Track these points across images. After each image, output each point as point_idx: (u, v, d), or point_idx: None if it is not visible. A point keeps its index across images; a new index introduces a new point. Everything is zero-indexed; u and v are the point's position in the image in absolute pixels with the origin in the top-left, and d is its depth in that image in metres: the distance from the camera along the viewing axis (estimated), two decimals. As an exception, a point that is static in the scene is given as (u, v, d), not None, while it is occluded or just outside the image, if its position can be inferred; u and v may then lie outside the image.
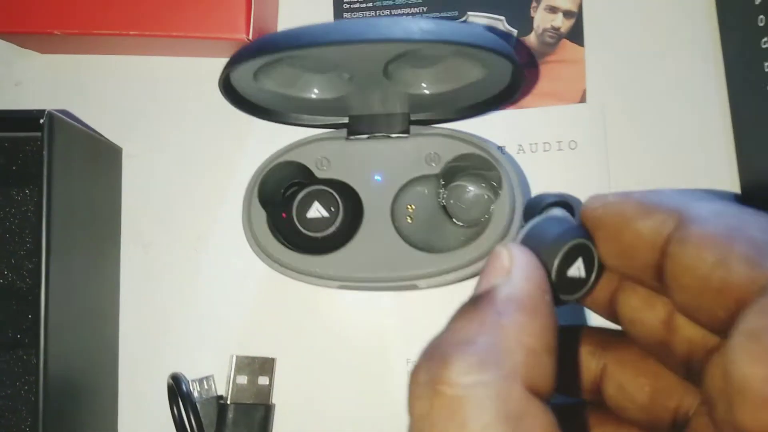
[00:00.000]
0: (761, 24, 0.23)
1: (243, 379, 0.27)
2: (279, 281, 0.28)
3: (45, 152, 0.22)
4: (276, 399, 0.28)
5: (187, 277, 0.29)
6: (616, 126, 0.27)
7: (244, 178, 0.26)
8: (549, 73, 0.28)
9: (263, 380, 0.28)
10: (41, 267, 0.23)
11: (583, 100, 0.27)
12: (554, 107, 0.27)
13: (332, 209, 0.25)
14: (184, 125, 0.29)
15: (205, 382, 0.28)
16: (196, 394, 0.27)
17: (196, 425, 0.26)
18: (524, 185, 0.27)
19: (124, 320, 0.29)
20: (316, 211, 0.25)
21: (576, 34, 0.28)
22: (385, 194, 0.25)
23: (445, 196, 0.26)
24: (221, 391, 0.28)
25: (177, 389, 0.27)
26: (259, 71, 0.24)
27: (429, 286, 0.24)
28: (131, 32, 0.26)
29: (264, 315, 0.28)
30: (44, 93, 0.30)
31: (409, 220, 0.26)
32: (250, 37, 0.26)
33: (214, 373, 0.28)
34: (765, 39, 0.23)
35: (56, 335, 0.23)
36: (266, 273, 0.28)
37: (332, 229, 0.25)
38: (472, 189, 0.26)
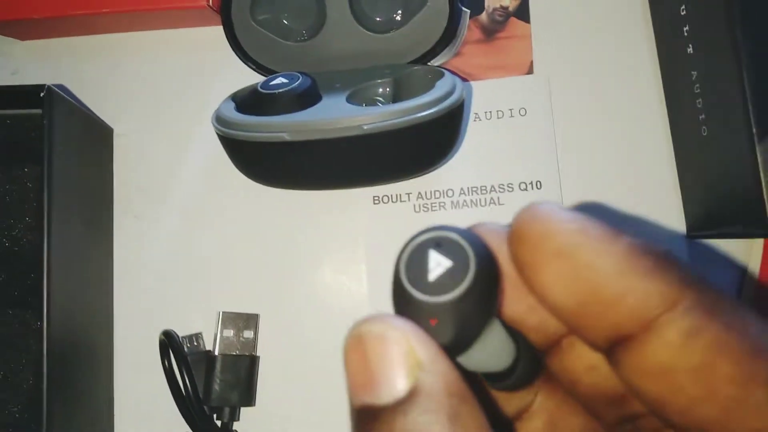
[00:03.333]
0: (682, 11, 0.26)
1: (229, 333, 0.30)
2: (263, 245, 0.31)
3: (45, 124, 0.25)
4: (260, 352, 0.30)
5: (174, 244, 0.31)
6: (560, 94, 0.30)
7: (223, 152, 0.28)
8: (499, 48, 0.31)
9: (248, 334, 0.30)
10: (43, 234, 0.25)
11: (530, 71, 0.30)
12: (505, 79, 0.30)
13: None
14: (171, 103, 0.32)
15: (194, 339, 0.30)
16: (186, 349, 0.29)
17: (187, 375, 0.29)
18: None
19: (117, 284, 0.31)
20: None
21: (523, 12, 0.31)
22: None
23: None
24: (209, 347, 0.30)
25: (169, 344, 0.29)
26: (254, 4, 0.28)
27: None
28: (103, 10, 0.29)
29: (249, 275, 0.31)
30: (30, 78, 0.32)
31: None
32: (210, 3, 0.29)
33: (203, 331, 0.30)
34: (682, 7, 0.26)
35: (57, 296, 0.25)
36: (250, 238, 0.31)
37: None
38: None
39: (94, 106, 0.32)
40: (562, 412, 0.14)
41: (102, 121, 0.31)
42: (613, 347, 0.11)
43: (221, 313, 0.30)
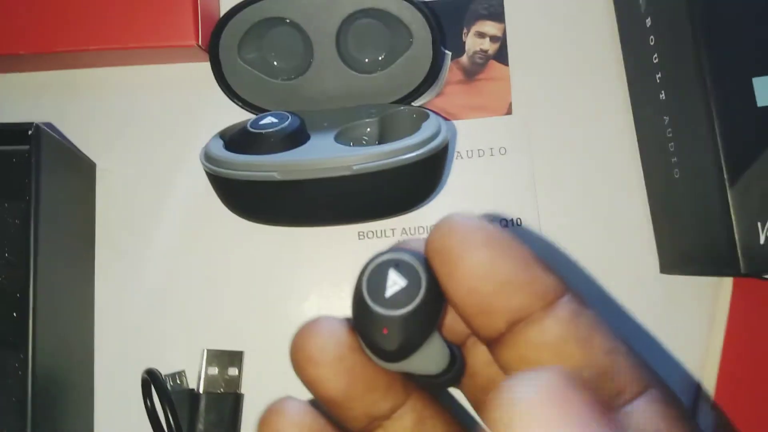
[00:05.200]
0: (651, 43, 0.28)
1: (213, 371, 0.30)
2: (248, 282, 0.31)
3: (33, 162, 0.25)
4: (245, 389, 0.30)
5: (157, 281, 0.31)
6: (538, 134, 0.31)
7: (208, 188, 0.28)
8: (479, 90, 0.32)
9: (233, 371, 0.30)
10: (29, 272, 0.24)
11: (509, 112, 0.32)
12: (485, 119, 0.32)
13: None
14: (155, 138, 0.32)
15: (177, 377, 0.30)
16: (169, 388, 0.29)
17: (171, 415, 0.28)
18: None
19: (99, 322, 0.31)
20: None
21: (502, 56, 0.32)
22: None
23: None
24: (193, 385, 0.30)
25: (152, 382, 0.29)
26: (242, 43, 0.29)
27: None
28: (90, 47, 0.29)
29: (233, 312, 0.31)
30: (9, 112, 0.32)
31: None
32: (200, 42, 0.29)
33: (185, 369, 0.30)
34: (654, 55, 0.28)
35: (42, 336, 0.25)
36: (235, 274, 0.31)
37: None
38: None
39: (77, 140, 0.32)
40: (431, 411, 0.15)
41: (85, 155, 0.31)
42: (510, 329, 0.13)
43: (206, 351, 0.29)
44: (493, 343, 0.14)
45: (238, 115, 0.30)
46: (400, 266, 0.14)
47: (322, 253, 0.31)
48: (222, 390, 0.29)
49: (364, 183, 0.26)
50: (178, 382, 0.30)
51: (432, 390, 0.16)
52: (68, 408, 0.28)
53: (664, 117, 0.27)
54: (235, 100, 0.30)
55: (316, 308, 0.31)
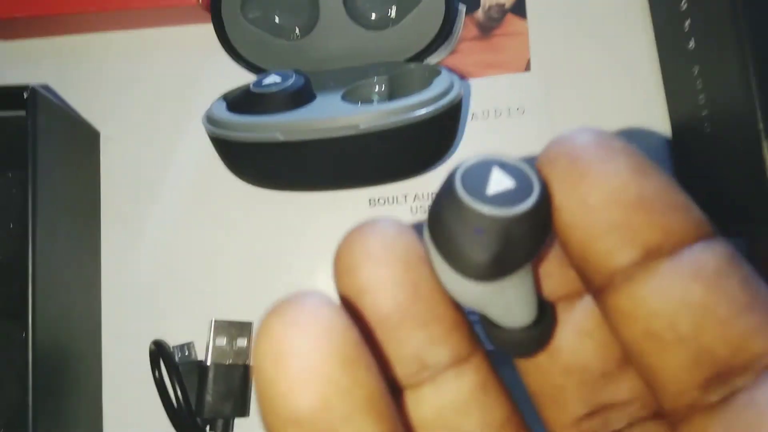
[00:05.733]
0: (682, 6, 0.26)
1: (222, 342, 0.29)
2: (256, 250, 0.30)
3: (29, 126, 0.24)
4: (254, 360, 0.29)
5: (164, 250, 0.30)
6: (558, 92, 0.30)
7: (214, 154, 0.27)
8: (496, 46, 0.30)
9: (241, 342, 0.29)
10: (28, 241, 0.24)
11: (527, 69, 0.30)
12: (502, 76, 0.30)
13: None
14: (159, 103, 0.31)
15: (186, 348, 0.29)
16: (177, 359, 0.28)
17: (179, 386, 0.28)
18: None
19: (105, 293, 0.30)
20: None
21: (519, 9, 0.30)
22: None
23: None
24: (201, 357, 0.29)
25: (160, 353, 0.28)
26: (245, 1, 0.27)
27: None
28: (89, 9, 0.28)
29: (241, 282, 0.30)
30: (10, 80, 0.31)
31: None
32: (201, 1, 0.28)
33: (194, 341, 0.30)
34: (683, 2, 0.26)
35: (43, 306, 0.24)
36: (243, 243, 0.30)
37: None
38: None
39: (80, 108, 0.31)
40: (496, 381, 0.12)
41: (88, 123, 0.30)
42: (644, 263, 0.10)
43: (214, 321, 0.29)
44: (612, 284, 0.10)
45: (243, 78, 0.29)
46: (506, 167, 0.11)
47: (333, 220, 0.30)
48: (231, 361, 0.29)
49: (372, 143, 0.24)
50: (186, 353, 0.29)
51: (503, 351, 0.12)
52: (74, 379, 0.27)
53: (694, 67, 0.25)
54: (240, 62, 0.29)
55: (325, 277, 0.29)
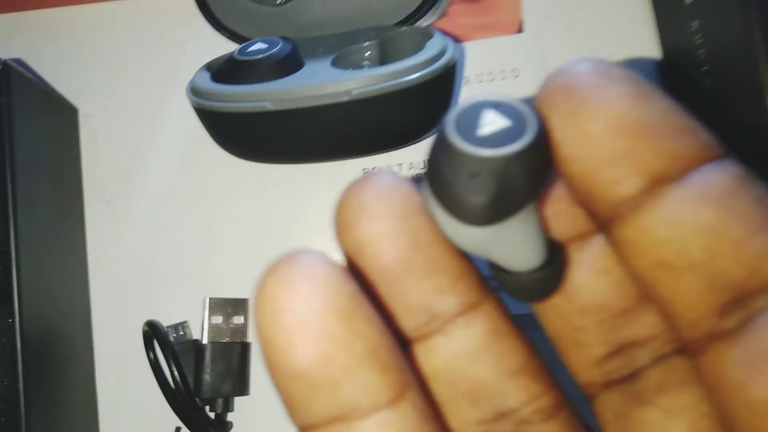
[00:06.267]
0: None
1: (218, 320, 0.28)
2: (248, 225, 0.29)
3: (4, 102, 0.23)
4: (252, 337, 0.29)
5: (152, 228, 0.29)
6: (553, 52, 0.29)
7: (200, 128, 0.26)
8: (486, 7, 0.29)
9: (238, 320, 0.28)
10: (9, 222, 0.23)
11: (520, 30, 0.29)
12: (494, 38, 0.29)
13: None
14: (139, 77, 0.30)
15: (180, 328, 0.28)
16: (171, 339, 0.28)
17: (176, 366, 0.27)
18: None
19: (93, 274, 0.29)
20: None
21: (509, -32, 0.29)
22: None
23: None
24: (196, 336, 0.28)
25: (154, 334, 0.27)
26: None
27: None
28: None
29: (234, 258, 0.29)
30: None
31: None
32: None
33: (188, 320, 0.29)
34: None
35: (28, 289, 0.24)
36: (234, 218, 0.29)
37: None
38: None
39: (56, 84, 0.29)
40: (509, 327, 0.11)
41: (65, 99, 0.29)
42: (652, 190, 0.09)
43: (208, 299, 0.28)
44: (619, 216, 0.10)
45: (226, 48, 0.28)
46: (500, 107, 0.10)
47: (325, 192, 0.29)
48: (228, 339, 0.28)
49: (366, 109, 0.24)
50: (181, 333, 0.28)
51: (514, 296, 0.11)
52: (65, 364, 0.27)
53: (692, 23, 0.25)
54: (222, 31, 0.28)
55: (320, 250, 0.29)
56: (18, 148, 0.23)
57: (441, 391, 0.11)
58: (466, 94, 0.29)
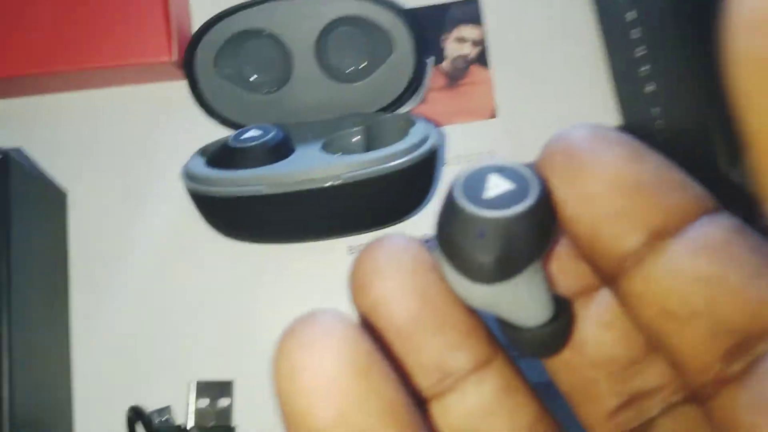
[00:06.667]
0: (634, 37, 0.28)
1: (204, 403, 0.28)
2: (233, 305, 0.29)
3: (3, 193, 0.23)
4: (237, 420, 0.28)
5: (136, 311, 0.29)
6: (524, 136, 0.31)
7: (188, 210, 0.27)
8: (463, 95, 0.31)
9: (224, 402, 0.28)
10: (2, 310, 0.23)
11: (494, 115, 0.31)
12: (470, 123, 0.31)
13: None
14: (130, 162, 0.30)
15: (164, 413, 0.28)
16: (156, 425, 0.27)
17: (161, 453, 0.26)
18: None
19: (76, 359, 0.29)
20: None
21: (483, 59, 0.31)
22: None
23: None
24: (180, 421, 0.28)
25: (139, 419, 0.27)
26: (219, 58, 0.28)
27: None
28: (59, 69, 0.27)
29: (219, 339, 0.29)
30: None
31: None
32: (174, 58, 0.28)
33: (171, 404, 0.28)
34: (637, 48, 0.28)
35: (19, 379, 0.23)
36: (219, 298, 0.29)
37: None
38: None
39: (46, 167, 0.30)
40: (520, 382, 0.11)
41: (55, 184, 0.29)
42: (651, 244, 0.10)
43: (195, 382, 0.28)
44: (623, 271, 0.10)
45: (217, 133, 0.29)
46: (504, 171, 0.11)
47: (311, 270, 0.30)
48: (213, 423, 0.28)
49: (354, 193, 0.25)
50: (165, 418, 0.28)
51: (524, 353, 0.12)
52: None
53: (653, 109, 0.27)
54: (214, 117, 0.29)
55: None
56: (14, 235, 0.23)
57: None
58: (447, 176, 0.30)
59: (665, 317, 0.10)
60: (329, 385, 0.09)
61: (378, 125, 0.28)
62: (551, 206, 0.11)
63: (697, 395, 0.10)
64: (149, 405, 0.28)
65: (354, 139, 0.28)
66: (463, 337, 0.11)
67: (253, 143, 0.25)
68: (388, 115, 0.28)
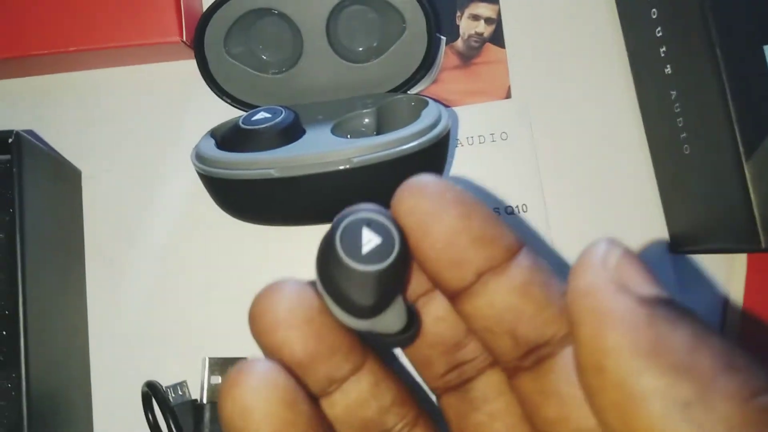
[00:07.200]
0: (653, 17, 0.27)
1: (217, 380, 0.28)
2: (247, 285, 0.30)
3: (15, 172, 0.23)
4: (250, 396, 0.29)
5: (152, 289, 0.30)
6: (539, 117, 0.30)
7: (200, 191, 0.27)
8: (477, 74, 0.31)
9: (236, 379, 0.29)
10: (18, 288, 0.23)
11: (508, 96, 0.31)
12: (484, 104, 0.30)
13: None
14: (142, 141, 0.31)
15: (179, 388, 0.29)
16: (171, 400, 0.28)
17: (175, 428, 0.27)
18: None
19: (93, 335, 0.29)
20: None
21: (497, 38, 0.31)
22: None
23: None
24: (195, 396, 0.29)
25: (154, 395, 0.27)
26: (228, 37, 0.28)
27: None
28: (70, 49, 0.27)
29: (233, 317, 0.29)
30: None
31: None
32: (184, 38, 0.28)
33: (187, 379, 0.29)
34: (658, 29, 0.27)
35: (35, 355, 0.24)
36: (233, 278, 0.30)
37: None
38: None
39: (60, 147, 0.30)
40: (385, 374, 0.16)
41: (69, 163, 0.30)
42: (478, 279, 0.14)
43: (207, 359, 0.28)
44: (458, 295, 0.14)
45: (227, 113, 0.29)
46: (372, 224, 0.14)
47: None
48: (226, 399, 0.28)
49: (365, 176, 0.25)
50: (180, 393, 0.28)
51: (388, 349, 0.16)
52: (66, 425, 0.27)
53: (671, 92, 0.26)
54: (224, 97, 0.29)
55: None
56: (27, 215, 0.23)
57: (340, 428, 0.15)
58: (459, 157, 0.30)
59: (486, 331, 0.14)
60: (268, 417, 0.13)
61: (389, 106, 0.28)
62: (408, 252, 0.14)
63: (504, 370, 0.15)
64: (166, 380, 0.28)
65: (365, 121, 0.28)
66: (345, 354, 0.15)
67: (264, 125, 0.25)
68: (400, 96, 0.28)
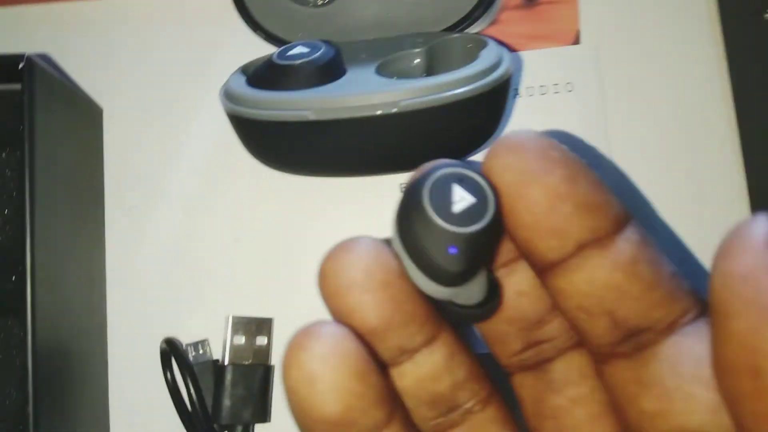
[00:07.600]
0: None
1: (240, 340, 0.26)
2: (276, 240, 0.27)
3: (26, 101, 0.21)
4: (276, 360, 0.27)
5: (175, 239, 0.28)
6: (611, 67, 0.27)
7: (230, 135, 0.25)
8: (542, 15, 0.27)
9: (261, 341, 0.27)
10: (26, 228, 0.21)
11: (576, 41, 0.27)
12: (548, 49, 0.27)
13: None
14: (169, 77, 0.28)
15: (200, 346, 0.27)
16: (190, 359, 0.26)
17: (194, 388, 0.25)
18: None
19: (111, 286, 0.28)
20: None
21: (568, -25, 0.27)
22: None
23: None
24: (217, 356, 0.27)
25: (173, 353, 0.26)
26: None
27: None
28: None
29: (260, 274, 0.27)
30: (8, 49, 0.29)
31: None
32: None
33: (209, 338, 0.27)
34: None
35: (42, 300, 0.22)
36: (262, 232, 0.27)
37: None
38: None
39: (81, 81, 0.28)
40: (460, 347, 0.15)
41: (91, 99, 0.27)
42: (579, 252, 0.13)
43: (231, 317, 0.26)
44: (551, 268, 0.13)
45: (262, 50, 0.26)
46: (464, 181, 0.13)
47: (360, 208, 0.27)
48: (250, 361, 0.26)
49: (412, 123, 0.22)
50: (201, 352, 0.27)
51: (465, 323, 0.15)
52: (78, 381, 0.25)
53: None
54: (259, 32, 0.26)
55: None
56: (38, 149, 0.21)
57: (408, 400, 0.14)
58: (517, 109, 0.27)
59: (580, 310, 0.13)
60: (337, 388, 0.12)
61: (442, 46, 0.25)
62: (501, 217, 0.13)
63: (594, 355, 0.14)
64: (187, 337, 0.27)
65: (414, 62, 0.25)
66: (420, 324, 0.13)
67: (300, 61, 0.23)
68: (454, 34, 0.25)
